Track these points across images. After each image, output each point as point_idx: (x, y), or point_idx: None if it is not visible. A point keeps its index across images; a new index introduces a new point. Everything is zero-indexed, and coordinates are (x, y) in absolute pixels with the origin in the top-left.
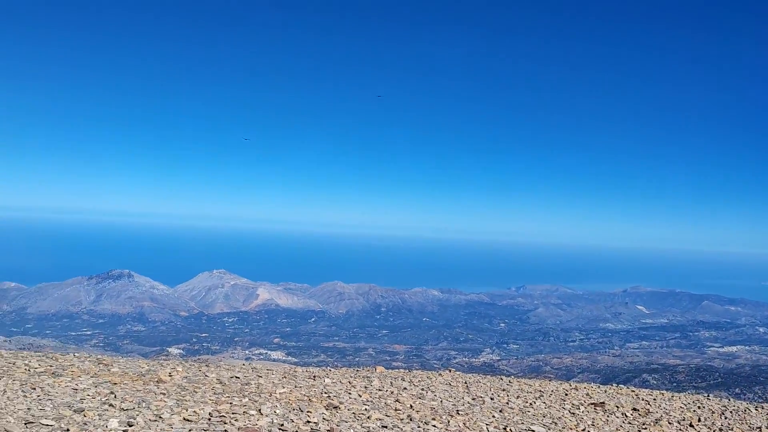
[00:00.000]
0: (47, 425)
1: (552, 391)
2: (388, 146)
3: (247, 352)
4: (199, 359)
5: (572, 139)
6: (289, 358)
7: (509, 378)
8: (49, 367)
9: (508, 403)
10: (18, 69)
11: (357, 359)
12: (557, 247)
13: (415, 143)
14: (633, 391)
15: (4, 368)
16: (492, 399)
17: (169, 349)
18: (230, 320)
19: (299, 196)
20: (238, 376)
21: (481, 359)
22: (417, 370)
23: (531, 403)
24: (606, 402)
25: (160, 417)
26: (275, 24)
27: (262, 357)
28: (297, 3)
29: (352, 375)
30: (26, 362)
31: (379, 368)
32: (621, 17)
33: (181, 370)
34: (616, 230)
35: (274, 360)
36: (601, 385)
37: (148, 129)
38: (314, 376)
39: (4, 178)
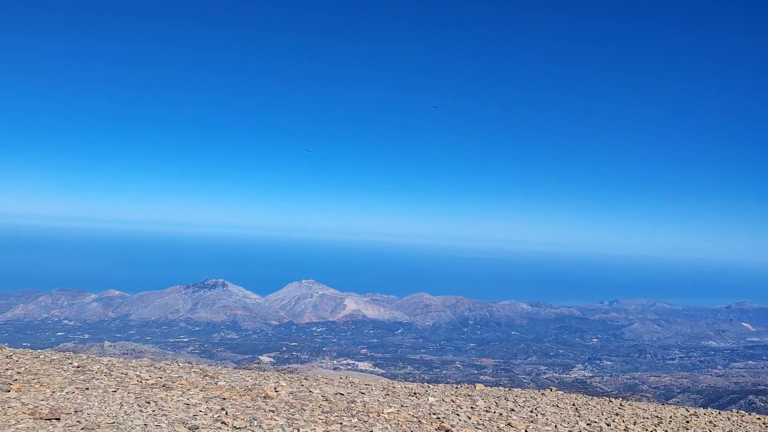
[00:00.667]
0: None
1: (670, 417)
2: (476, 157)
3: (335, 362)
4: (295, 371)
5: (675, 146)
6: (377, 369)
7: (620, 401)
8: (159, 379)
9: (626, 431)
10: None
11: (444, 372)
12: (653, 260)
13: (501, 154)
14: (759, 419)
15: (118, 379)
16: (608, 425)
17: (261, 357)
18: (318, 330)
19: (387, 207)
20: (342, 392)
21: (573, 375)
22: (516, 389)
23: (652, 431)
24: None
25: None
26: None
27: (349, 367)
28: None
29: (452, 392)
30: (137, 373)
31: (479, 386)
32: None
33: (285, 384)
34: (720, 242)
35: (361, 371)
36: (721, 411)
37: (243, 144)
38: (415, 393)
39: (109, 195)
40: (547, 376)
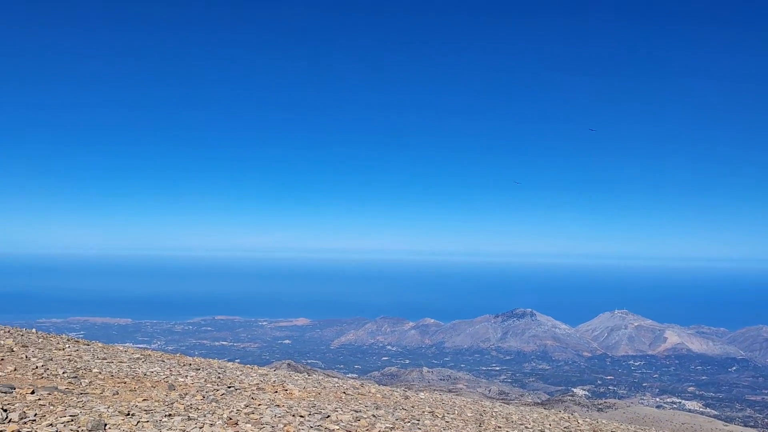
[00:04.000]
0: None
1: None
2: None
3: (657, 399)
4: (613, 407)
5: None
6: (708, 410)
7: None
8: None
9: None
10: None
11: None
12: None
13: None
14: None
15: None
16: None
17: (574, 390)
18: (636, 364)
19: (706, 226)
20: None
21: None
22: None
23: None
24: None
25: None
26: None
27: (675, 406)
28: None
29: None
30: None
31: None
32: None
33: None
34: None
35: (689, 411)
36: None
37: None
38: None
39: (424, 230)
40: None
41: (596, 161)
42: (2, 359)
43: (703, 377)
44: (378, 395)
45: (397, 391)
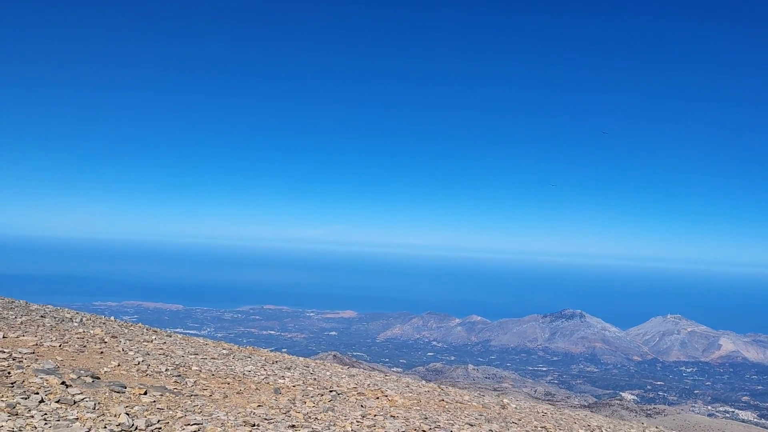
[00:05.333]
0: None
1: None
2: None
3: (709, 407)
4: (663, 413)
5: None
6: (763, 421)
7: None
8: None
9: None
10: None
11: None
12: None
13: None
14: None
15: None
16: None
17: (623, 394)
18: (688, 370)
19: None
20: None
21: None
22: None
23: None
24: None
25: None
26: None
27: (728, 415)
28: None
29: None
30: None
31: None
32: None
33: None
34: None
35: (743, 421)
36: None
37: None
38: None
39: (471, 228)
40: None
41: (650, 163)
42: (102, 352)
43: (759, 387)
44: (474, 403)
45: (488, 398)
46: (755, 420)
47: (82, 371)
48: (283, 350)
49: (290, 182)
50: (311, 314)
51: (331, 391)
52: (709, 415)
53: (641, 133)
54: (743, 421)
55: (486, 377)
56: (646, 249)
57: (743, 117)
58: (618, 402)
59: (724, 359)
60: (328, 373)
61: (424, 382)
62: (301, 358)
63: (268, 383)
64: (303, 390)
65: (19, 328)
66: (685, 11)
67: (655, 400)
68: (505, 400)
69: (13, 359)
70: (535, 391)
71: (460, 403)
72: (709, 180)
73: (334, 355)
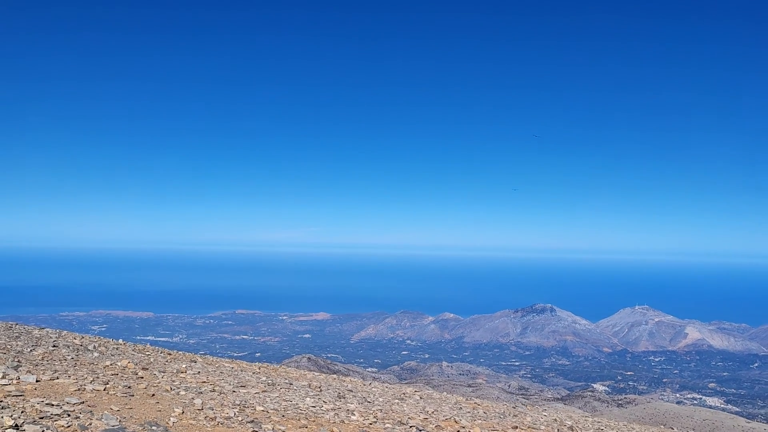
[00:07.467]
0: None
1: None
2: None
3: (677, 395)
4: (633, 402)
5: None
6: (729, 406)
7: None
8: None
9: None
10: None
11: None
12: None
13: None
14: None
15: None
16: None
17: (594, 385)
18: (657, 359)
19: (725, 222)
20: None
21: None
22: None
23: None
24: None
25: None
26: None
27: (695, 402)
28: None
29: None
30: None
31: None
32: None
33: None
34: None
35: (710, 407)
36: None
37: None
38: None
39: (447, 225)
40: None
41: (616, 157)
42: (153, 395)
43: (724, 373)
44: (542, 428)
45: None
46: (722, 405)
47: (152, 426)
48: (257, 354)
49: (258, 185)
50: (284, 317)
51: (410, 427)
52: (678, 403)
53: (603, 127)
54: (710, 407)
55: (460, 374)
56: (613, 242)
57: (710, 112)
58: (590, 393)
59: (690, 348)
60: (381, 399)
61: (493, 404)
62: (340, 377)
63: (342, 422)
64: (384, 429)
65: (42, 364)
66: (686, 11)
67: (625, 390)
68: (568, 422)
69: (68, 415)
70: (509, 386)
71: (534, 428)
72: (673, 173)
73: (309, 358)
